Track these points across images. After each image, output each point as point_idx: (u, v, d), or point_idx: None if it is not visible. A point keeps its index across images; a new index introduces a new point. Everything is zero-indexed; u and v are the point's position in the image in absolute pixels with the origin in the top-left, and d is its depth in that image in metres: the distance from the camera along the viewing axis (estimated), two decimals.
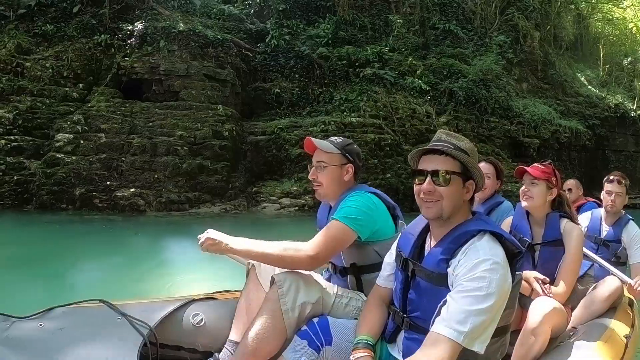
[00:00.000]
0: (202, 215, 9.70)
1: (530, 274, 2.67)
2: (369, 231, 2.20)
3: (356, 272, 2.32)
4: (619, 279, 3.25)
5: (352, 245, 2.24)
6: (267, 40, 14.67)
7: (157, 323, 2.29)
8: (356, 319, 2.09)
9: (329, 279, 2.43)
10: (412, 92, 14.96)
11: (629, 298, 3.42)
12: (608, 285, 3.18)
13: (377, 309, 1.98)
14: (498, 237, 1.68)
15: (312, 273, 2.22)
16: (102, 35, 12.35)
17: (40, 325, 2.07)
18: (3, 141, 10.19)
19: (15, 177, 9.84)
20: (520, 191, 2.92)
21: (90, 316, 2.22)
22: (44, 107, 10.95)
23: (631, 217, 3.81)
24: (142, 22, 12.76)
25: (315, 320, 2.03)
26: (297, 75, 14.44)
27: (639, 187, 21.16)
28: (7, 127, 10.43)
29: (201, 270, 5.14)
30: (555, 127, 18.09)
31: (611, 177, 3.82)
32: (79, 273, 5.56)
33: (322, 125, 12.35)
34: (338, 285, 2.32)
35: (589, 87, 22.91)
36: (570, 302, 2.85)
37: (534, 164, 2.95)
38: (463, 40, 17.90)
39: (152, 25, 12.57)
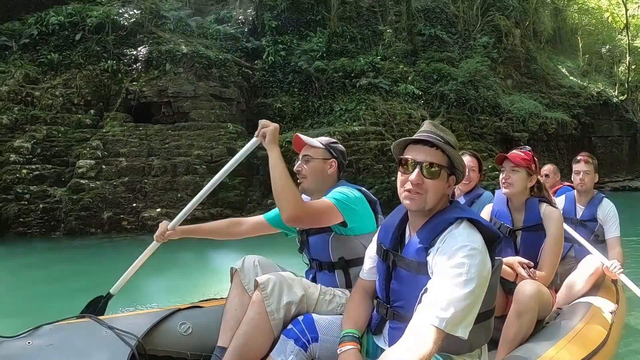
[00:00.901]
0: None
1: (514, 259, 2.71)
2: (354, 220, 2.29)
3: (344, 267, 2.38)
4: (599, 259, 3.33)
5: (338, 238, 2.34)
6: (264, 57, 15.22)
7: (144, 334, 2.31)
8: (341, 314, 2.12)
9: (313, 279, 2.48)
10: (406, 98, 15.67)
11: (612, 280, 3.53)
12: (589, 265, 3.31)
13: (362, 302, 2.01)
14: (475, 223, 1.71)
15: (294, 276, 2.29)
16: (108, 62, 12.75)
17: (29, 343, 2.09)
18: (24, 171, 10.51)
19: (41, 205, 10.12)
20: (500, 178, 2.94)
21: (78, 331, 2.25)
22: (60, 135, 11.28)
23: (604, 195, 3.91)
24: (145, 47, 13.19)
25: (301, 318, 2.06)
26: (296, 90, 15.01)
27: (626, 169, 22.19)
28: (27, 156, 10.74)
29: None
30: (542, 120, 18.98)
31: (578, 158, 3.90)
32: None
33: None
34: (323, 284, 2.39)
35: (571, 77, 24.00)
36: (554, 284, 2.87)
37: (513, 151, 2.98)
38: (449, 44, 18.74)
39: (156, 49, 13.02)
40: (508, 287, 2.73)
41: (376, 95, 14.99)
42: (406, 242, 1.84)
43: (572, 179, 3.98)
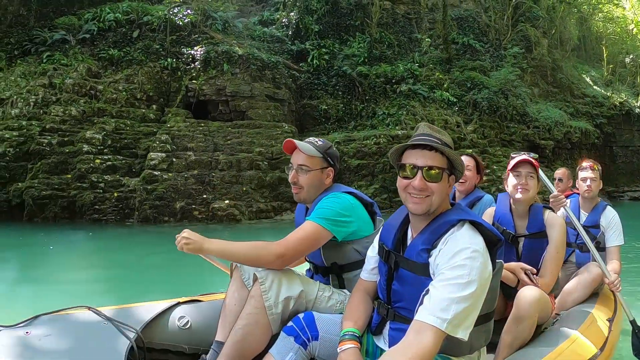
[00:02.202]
0: (286, 221, 11.04)
1: (517, 265, 2.72)
2: (345, 231, 2.27)
3: (338, 271, 2.39)
4: (603, 270, 3.35)
5: (330, 245, 2.31)
6: (308, 60, 16.09)
7: (144, 326, 2.33)
8: (341, 313, 2.15)
9: (312, 278, 2.50)
10: (442, 104, 16.57)
11: (611, 290, 3.52)
12: (590, 272, 3.34)
13: (362, 301, 2.04)
14: (477, 226, 1.74)
15: (293, 272, 2.28)
16: (168, 59, 13.60)
17: (27, 333, 2.10)
18: (97, 161, 11.27)
19: (116, 194, 10.89)
20: (513, 183, 2.89)
21: (76, 322, 2.26)
22: (127, 127, 12.09)
23: (608, 203, 3.92)
24: (202, 47, 14.04)
25: (301, 315, 2.07)
26: (340, 93, 15.94)
27: None
28: (98, 147, 11.50)
29: None
30: (567, 129, 19.80)
31: (584, 165, 3.90)
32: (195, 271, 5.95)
33: (375, 139, 13.99)
34: (321, 282, 2.39)
35: (595, 87, 24.69)
36: (554, 290, 2.88)
37: (522, 155, 2.94)
38: (481, 53, 19.60)
39: (213, 50, 13.89)
40: (508, 292, 2.73)
41: (415, 101, 15.94)
42: (408, 244, 1.88)
43: (577, 185, 4.00)
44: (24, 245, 8.76)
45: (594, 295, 3.39)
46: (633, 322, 3.23)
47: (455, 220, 1.74)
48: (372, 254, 2.07)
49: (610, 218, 3.80)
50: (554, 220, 2.84)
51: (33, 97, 11.97)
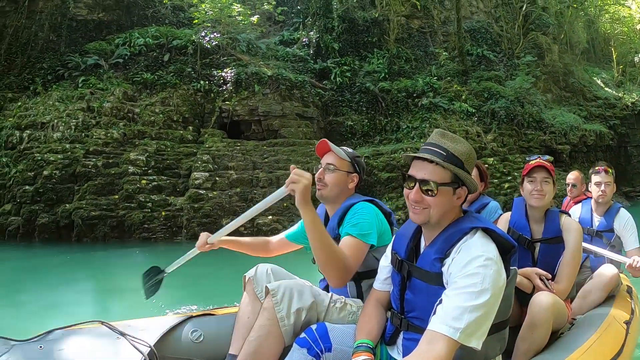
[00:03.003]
0: None
1: (532, 271, 2.74)
2: (377, 240, 2.36)
3: (356, 279, 2.42)
4: (618, 260, 3.42)
5: None
6: (331, 77, 16.85)
7: (157, 340, 2.37)
8: (354, 324, 2.17)
9: (326, 288, 2.54)
10: (461, 116, 17.25)
11: (627, 286, 3.60)
12: (604, 275, 3.33)
13: (375, 312, 2.06)
14: (490, 233, 1.75)
15: (304, 283, 2.33)
16: (201, 82, 14.33)
17: (41, 347, 2.16)
18: (144, 181, 11.84)
19: (164, 213, 11.43)
20: (528, 189, 2.91)
21: (90, 337, 2.31)
22: (168, 149, 12.67)
23: (621, 205, 3.90)
24: (232, 69, 14.84)
25: (314, 327, 2.07)
26: (364, 108, 16.64)
27: None
28: (143, 168, 12.08)
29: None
30: (582, 132, 20.44)
31: (597, 168, 3.88)
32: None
33: (402, 152, 14.74)
34: (334, 292, 2.41)
35: (606, 89, 25.46)
36: (570, 295, 2.92)
37: (536, 159, 2.96)
38: (495, 63, 20.39)
39: (243, 71, 14.64)
40: (524, 298, 2.72)
41: (437, 114, 16.67)
42: (421, 253, 1.90)
43: (591, 189, 3.97)
44: (82, 261, 9.42)
45: (610, 298, 3.37)
46: None
47: (467, 229, 1.77)
48: (385, 263, 2.10)
49: (625, 221, 3.77)
50: (571, 225, 2.87)
51: (73, 120, 12.66)
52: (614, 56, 28.24)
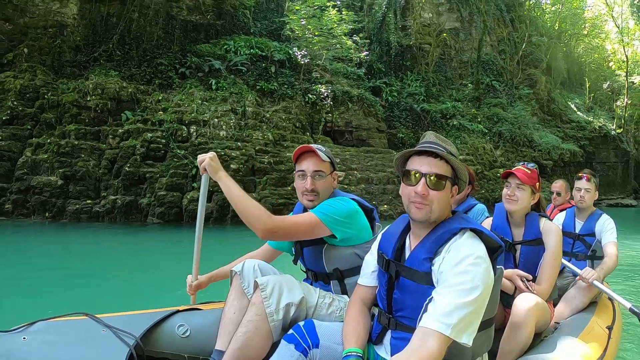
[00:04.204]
0: None
1: (513, 272, 3.04)
2: (345, 233, 2.58)
3: (340, 277, 2.68)
4: (574, 270, 3.81)
5: (332, 250, 2.66)
6: (383, 95, 23.91)
7: (143, 334, 2.53)
8: (342, 321, 2.42)
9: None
10: (478, 135, 24.99)
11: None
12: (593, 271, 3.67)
13: (361, 317, 2.26)
14: (478, 233, 1.96)
15: (293, 279, 2.58)
16: (309, 95, 19.84)
17: (24, 338, 2.27)
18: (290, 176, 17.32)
19: None
20: (504, 193, 3.23)
21: (75, 329, 2.46)
22: (289, 152, 17.21)
23: (603, 212, 4.31)
24: (327, 86, 20.52)
25: (301, 323, 2.26)
26: (410, 123, 24.11)
27: (619, 189, 32.97)
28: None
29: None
30: (561, 151, 28.87)
31: (580, 175, 4.28)
32: None
33: None
34: (321, 289, 2.67)
35: (578, 113, 34.46)
36: (552, 297, 3.19)
37: (519, 166, 3.26)
38: (499, 92, 27.80)
39: (338, 90, 20.68)
40: (506, 300, 2.98)
41: (464, 132, 23.47)
42: (408, 252, 2.09)
43: (573, 195, 4.38)
44: None
45: (592, 303, 3.70)
46: (632, 310, 3.46)
47: (457, 229, 1.95)
48: (371, 259, 2.32)
49: (603, 221, 4.19)
50: (550, 228, 3.16)
51: (231, 121, 15.92)
52: (587, 85, 35.40)
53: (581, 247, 4.26)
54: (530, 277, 3.00)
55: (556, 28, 36.52)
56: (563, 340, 2.71)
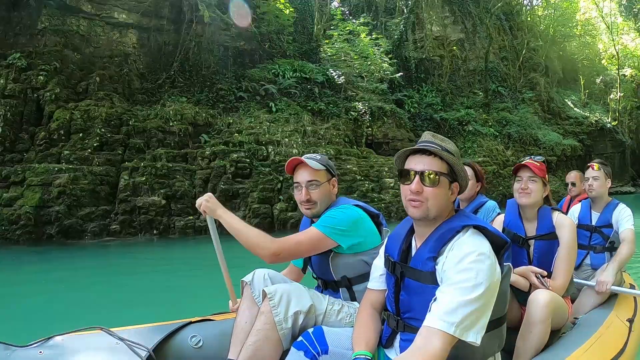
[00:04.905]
0: None
1: (527, 269, 3.03)
2: (350, 241, 2.63)
3: (348, 284, 2.73)
4: (587, 285, 3.72)
5: (339, 258, 2.70)
6: (405, 107, 26.73)
7: (155, 345, 2.60)
8: (351, 326, 2.44)
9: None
10: (490, 137, 28.29)
11: (630, 284, 4.00)
12: (607, 274, 3.64)
13: (371, 321, 2.28)
14: (482, 230, 1.97)
15: (302, 287, 2.64)
16: (351, 112, 22.33)
17: (40, 352, 2.34)
18: (366, 185, 19.14)
19: (382, 205, 18.54)
20: (516, 187, 3.23)
21: (89, 343, 2.54)
22: (362, 161, 19.77)
23: (619, 202, 4.27)
24: (365, 103, 22.99)
25: (310, 330, 2.32)
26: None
27: (617, 178, 35.19)
28: (361, 175, 18.80)
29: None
30: (563, 147, 31.73)
31: (588, 164, 4.32)
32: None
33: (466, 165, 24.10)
34: (330, 297, 2.73)
35: (575, 109, 37.40)
36: (569, 293, 3.18)
37: (527, 160, 3.27)
38: (505, 97, 31.41)
39: (373, 105, 23.33)
40: (522, 297, 2.97)
41: (479, 137, 26.64)
42: (413, 253, 2.12)
43: (585, 186, 4.45)
44: None
45: (612, 296, 3.64)
46: None
47: (459, 226, 1.97)
48: (379, 263, 2.35)
49: (620, 210, 4.14)
50: (564, 221, 3.15)
51: (299, 140, 17.87)
52: (582, 82, 39.72)
53: (599, 239, 4.24)
54: (545, 272, 3.01)
55: (551, 31, 39.09)
56: (581, 336, 2.73)
